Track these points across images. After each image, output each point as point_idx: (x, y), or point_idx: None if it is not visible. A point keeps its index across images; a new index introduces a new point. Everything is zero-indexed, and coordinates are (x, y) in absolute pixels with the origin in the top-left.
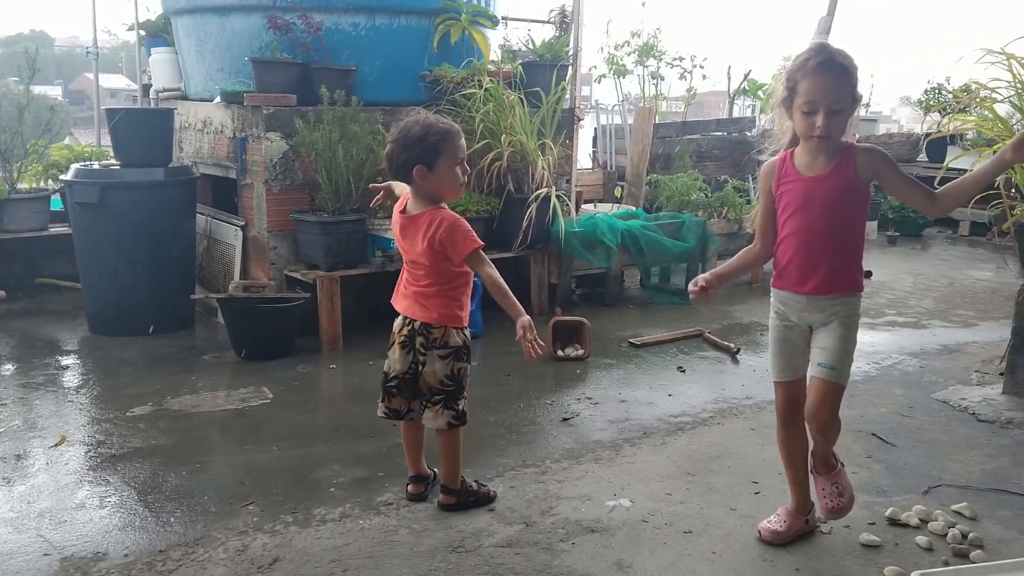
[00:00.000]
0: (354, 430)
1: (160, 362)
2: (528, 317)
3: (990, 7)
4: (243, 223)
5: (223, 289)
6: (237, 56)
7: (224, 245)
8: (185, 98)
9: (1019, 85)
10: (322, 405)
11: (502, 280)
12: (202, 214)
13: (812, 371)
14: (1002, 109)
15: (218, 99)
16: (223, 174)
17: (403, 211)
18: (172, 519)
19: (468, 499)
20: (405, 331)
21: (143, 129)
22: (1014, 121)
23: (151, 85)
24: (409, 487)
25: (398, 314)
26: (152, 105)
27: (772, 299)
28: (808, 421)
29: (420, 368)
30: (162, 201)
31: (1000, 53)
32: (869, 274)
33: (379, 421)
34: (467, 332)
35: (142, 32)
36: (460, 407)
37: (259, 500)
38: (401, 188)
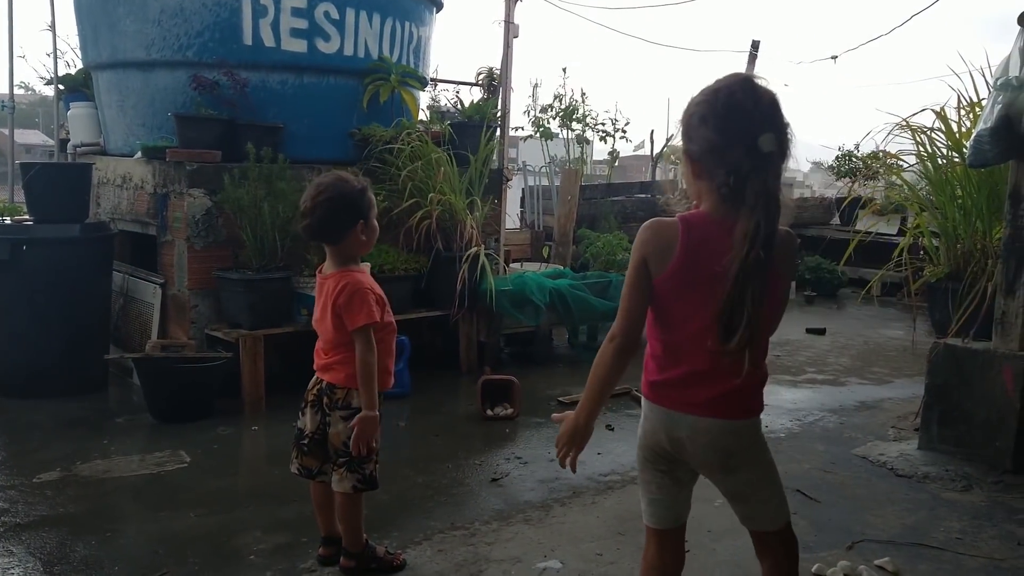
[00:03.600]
0: (276, 494)
1: (71, 425)
2: (374, 415)
3: (897, 76)
4: (163, 281)
5: (140, 349)
6: (160, 111)
7: (142, 303)
8: (104, 153)
9: (923, 154)
10: (243, 469)
11: (373, 368)
12: (119, 271)
13: None
14: (909, 176)
15: (139, 154)
16: (142, 231)
17: (319, 273)
18: None
19: (369, 564)
20: (315, 390)
21: (59, 184)
22: (920, 187)
23: (69, 140)
24: (321, 549)
25: None
26: (69, 160)
27: None
28: None
29: (327, 429)
30: (77, 258)
31: (905, 124)
32: (823, 331)
33: (302, 484)
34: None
35: (61, 87)
36: (367, 471)
37: (173, 570)
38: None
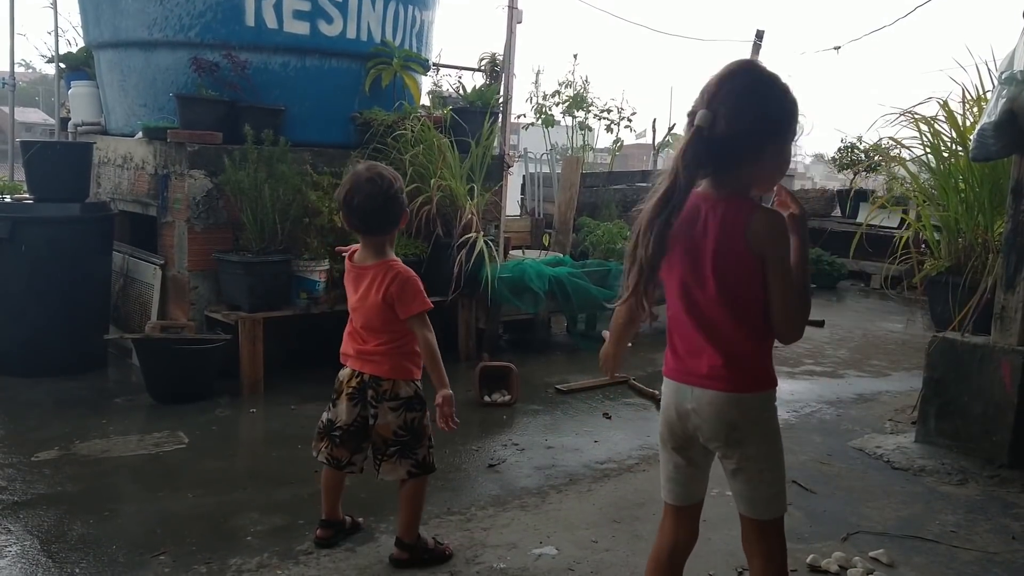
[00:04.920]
0: (274, 477)
1: (70, 405)
2: (451, 392)
3: (897, 68)
4: (163, 262)
5: (139, 329)
6: (161, 92)
7: (142, 284)
8: (105, 133)
9: (927, 144)
10: (241, 450)
11: (437, 346)
12: (119, 252)
13: None
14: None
15: (140, 135)
16: (143, 211)
17: (352, 261)
18: (77, 570)
19: (422, 556)
20: (354, 383)
21: (60, 163)
22: (923, 178)
23: (69, 119)
24: (319, 531)
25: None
26: (70, 139)
27: None
28: None
29: (371, 421)
30: (77, 237)
31: (909, 114)
32: (822, 323)
33: (299, 467)
34: (418, 383)
35: (62, 65)
36: (420, 456)
37: (171, 550)
38: None
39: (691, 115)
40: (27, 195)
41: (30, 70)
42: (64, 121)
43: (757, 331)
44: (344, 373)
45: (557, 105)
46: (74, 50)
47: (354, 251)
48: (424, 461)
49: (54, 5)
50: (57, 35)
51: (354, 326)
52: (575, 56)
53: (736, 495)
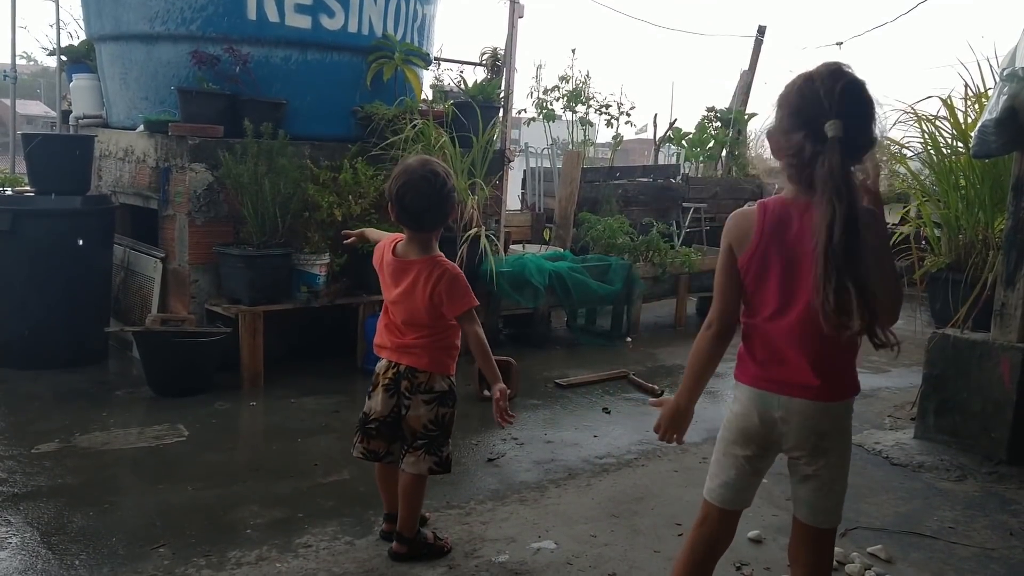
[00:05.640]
0: (273, 470)
1: (70, 397)
2: (504, 386)
3: (900, 64)
4: (163, 255)
5: (140, 322)
6: (163, 85)
7: (142, 277)
8: (106, 126)
9: (928, 142)
10: (240, 444)
11: (486, 342)
12: (120, 245)
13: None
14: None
15: (141, 128)
16: (144, 204)
17: (394, 254)
18: (77, 562)
19: (421, 550)
20: (390, 374)
21: (61, 156)
22: (924, 175)
23: (71, 111)
24: (384, 525)
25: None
26: (71, 132)
27: None
28: None
29: (404, 412)
30: (78, 230)
31: (912, 112)
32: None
33: (300, 460)
34: (453, 379)
35: (64, 57)
36: (443, 454)
37: (170, 543)
38: (377, 235)
39: (817, 127)
40: (28, 188)
41: (32, 63)
42: (65, 114)
43: (851, 339)
44: (381, 365)
45: (557, 100)
46: (75, 43)
47: (396, 241)
48: (446, 459)
49: None
50: (59, 28)
51: (392, 319)
52: (573, 51)
53: (800, 502)
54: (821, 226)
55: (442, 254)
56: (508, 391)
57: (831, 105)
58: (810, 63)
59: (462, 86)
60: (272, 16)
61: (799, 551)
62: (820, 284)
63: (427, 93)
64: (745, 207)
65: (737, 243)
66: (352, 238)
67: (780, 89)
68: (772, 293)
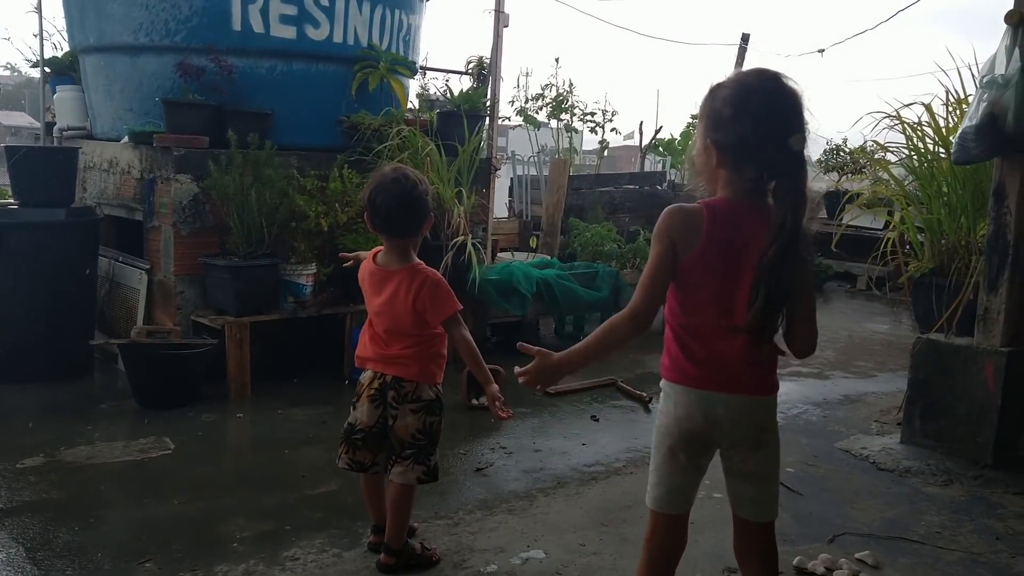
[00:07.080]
0: (260, 482)
1: (55, 411)
2: (497, 386)
3: (884, 71)
4: (148, 266)
5: (125, 334)
6: (147, 96)
7: (127, 289)
8: (91, 137)
9: (912, 147)
10: (227, 456)
11: (475, 344)
12: (105, 256)
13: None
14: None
15: (126, 139)
16: (129, 216)
17: (375, 263)
18: None
19: (409, 561)
20: (376, 384)
21: (45, 168)
22: (907, 182)
23: (55, 123)
24: (372, 537)
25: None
26: (55, 144)
27: None
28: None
29: (390, 422)
30: (62, 242)
31: (896, 117)
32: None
33: (287, 472)
34: (439, 388)
35: (47, 69)
36: (432, 463)
37: (156, 557)
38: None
39: (788, 141)
40: (12, 200)
41: (16, 73)
42: (49, 125)
43: (799, 339)
44: (365, 376)
45: (541, 109)
46: (59, 54)
47: (375, 253)
48: (435, 468)
49: (39, 9)
50: (42, 39)
51: (376, 330)
52: (556, 60)
53: (741, 500)
54: (775, 233)
55: (422, 262)
56: (496, 392)
57: (793, 119)
58: (792, 70)
59: (448, 95)
60: (257, 27)
61: (749, 549)
62: (753, 285)
63: (413, 102)
64: (683, 204)
65: (683, 242)
66: (350, 261)
67: (713, 99)
68: (714, 293)
